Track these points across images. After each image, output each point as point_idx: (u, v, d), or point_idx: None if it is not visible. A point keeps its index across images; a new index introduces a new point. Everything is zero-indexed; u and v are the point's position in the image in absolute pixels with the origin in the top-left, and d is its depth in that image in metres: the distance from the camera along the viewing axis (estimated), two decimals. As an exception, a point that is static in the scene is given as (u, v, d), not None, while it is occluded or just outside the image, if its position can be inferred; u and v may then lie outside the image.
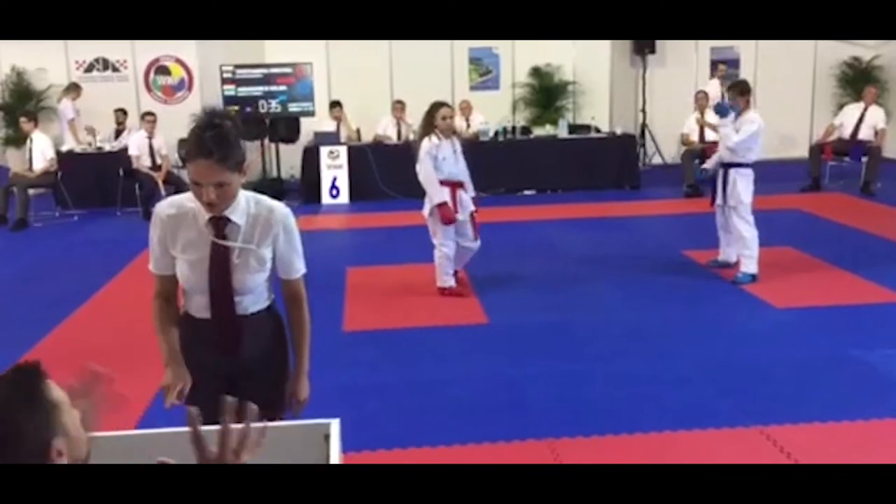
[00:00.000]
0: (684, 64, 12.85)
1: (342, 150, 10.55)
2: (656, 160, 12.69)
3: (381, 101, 11.81)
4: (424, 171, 5.95)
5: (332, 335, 5.30)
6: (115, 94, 11.56)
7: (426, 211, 6.06)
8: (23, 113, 10.22)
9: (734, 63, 12.75)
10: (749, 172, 6.35)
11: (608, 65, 12.47)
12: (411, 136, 10.19)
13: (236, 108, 10.21)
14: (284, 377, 2.70)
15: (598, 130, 11.25)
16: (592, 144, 10.96)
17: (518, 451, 3.68)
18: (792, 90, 12.85)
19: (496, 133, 11.08)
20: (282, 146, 11.19)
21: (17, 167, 10.27)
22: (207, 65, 11.51)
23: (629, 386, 4.42)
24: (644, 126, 12.68)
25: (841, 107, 11.52)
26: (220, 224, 2.44)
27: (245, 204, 2.47)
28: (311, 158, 10.57)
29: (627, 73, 12.82)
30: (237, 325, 2.54)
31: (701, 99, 10.78)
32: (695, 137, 10.66)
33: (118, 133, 11.10)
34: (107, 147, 10.79)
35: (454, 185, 6.03)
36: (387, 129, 11.20)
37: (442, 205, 5.93)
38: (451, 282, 6.22)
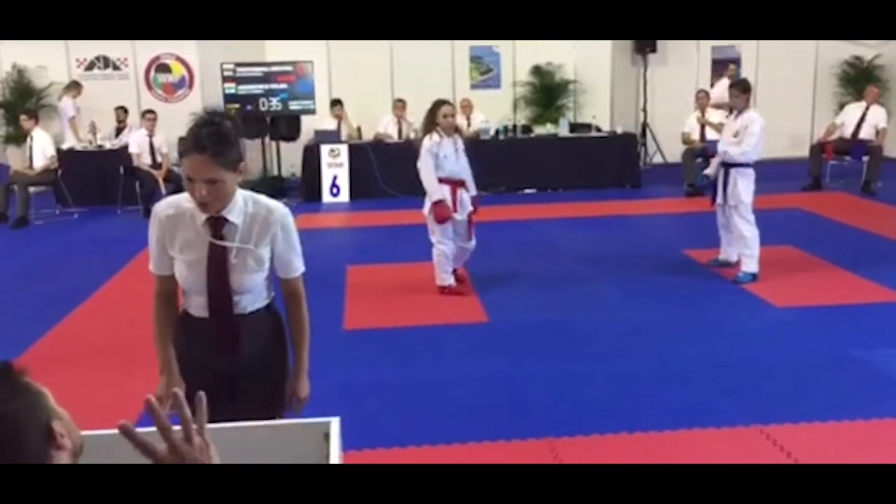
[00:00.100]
0: (685, 63, 12.84)
1: (343, 149, 10.54)
2: (657, 159, 12.68)
3: (382, 100, 11.81)
4: (425, 168, 5.96)
5: (332, 333, 5.30)
6: (116, 92, 11.57)
7: (426, 209, 6.07)
8: (23, 111, 10.23)
9: (735, 63, 12.74)
10: (750, 172, 6.35)
11: (609, 64, 12.47)
12: (412, 135, 10.20)
13: (237, 106, 10.22)
14: (284, 376, 2.69)
15: (598, 129, 11.24)
16: (593, 143, 10.95)
17: (518, 451, 3.68)
18: (793, 89, 12.84)
19: (497, 132, 11.08)
20: (282, 144, 11.18)
21: (18, 165, 10.26)
22: (208, 63, 11.52)
23: (629, 385, 4.42)
24: (645, 125, 12.68)
25: (842, 106, 11.51)
26: (217, 224, 2.44)
27: (242, 203, 2.47)
28: (311, 157, 10.57)
29: (628, 72, 12.81)
30: (235, 324, 2.54)
31: (702, 98, 10.76)
32: (696, 136, 10.64)
33: (119, 131, 11.09)
34: (107, 145, 10.79)
35: (455, 184, 6.03)
36: (387, 128, 11.20)
37: (438, 202, 5.93)
38: (450, 280, 6.22)
